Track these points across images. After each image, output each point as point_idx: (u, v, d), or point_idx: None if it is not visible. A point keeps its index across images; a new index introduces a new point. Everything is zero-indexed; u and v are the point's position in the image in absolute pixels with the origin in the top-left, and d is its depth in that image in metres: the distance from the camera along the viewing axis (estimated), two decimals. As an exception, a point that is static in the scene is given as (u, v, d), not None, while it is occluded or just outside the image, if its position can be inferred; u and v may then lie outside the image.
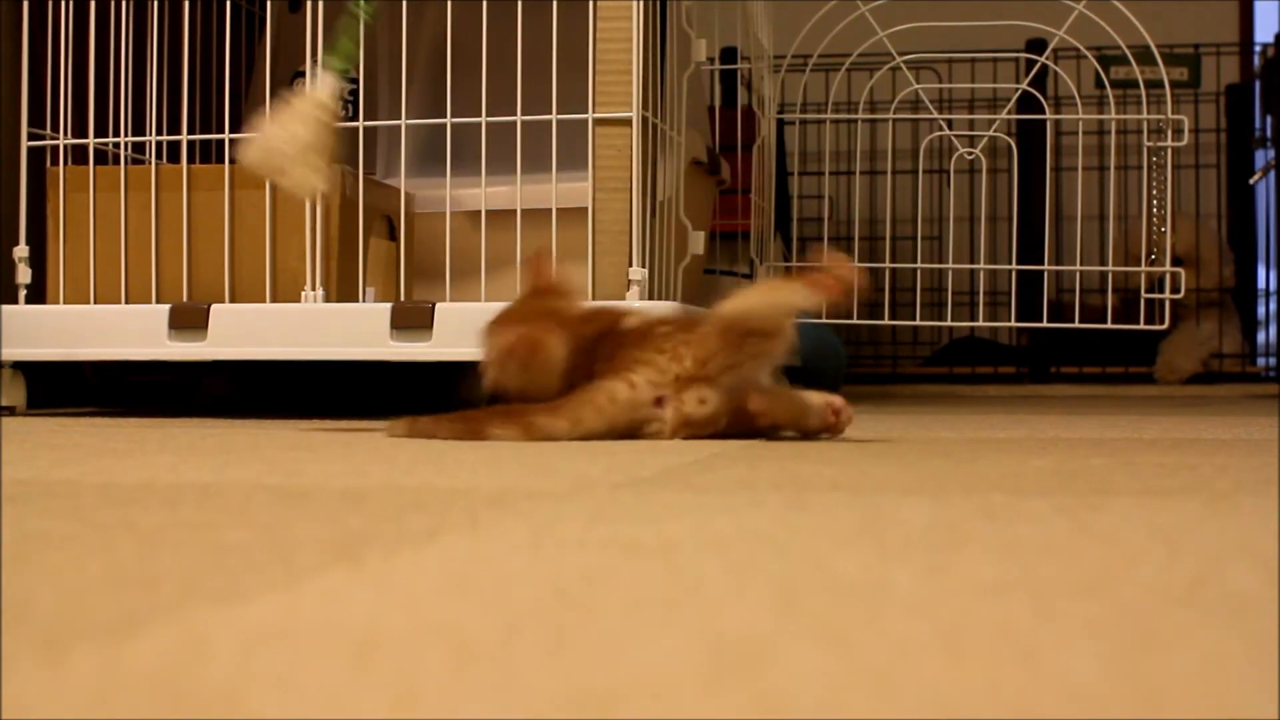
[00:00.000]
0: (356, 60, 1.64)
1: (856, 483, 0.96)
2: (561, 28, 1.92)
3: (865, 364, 4.05)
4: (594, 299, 1.88)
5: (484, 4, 1.93)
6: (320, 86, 1.57)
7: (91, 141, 2.04)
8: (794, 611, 0.49)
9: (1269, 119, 3.94)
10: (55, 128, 2.07)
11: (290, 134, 1.49)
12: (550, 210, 1.92)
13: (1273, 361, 4.14)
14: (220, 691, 0.37)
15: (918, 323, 2.73)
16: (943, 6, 2.59)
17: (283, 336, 1.90)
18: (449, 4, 1.96)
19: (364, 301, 1.98)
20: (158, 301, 1.97)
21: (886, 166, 2.60)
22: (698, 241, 2.10)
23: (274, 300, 1.94)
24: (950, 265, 2.61)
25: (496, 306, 1.88)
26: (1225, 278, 3.94)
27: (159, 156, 2.10)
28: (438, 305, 1.86)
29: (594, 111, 1.89)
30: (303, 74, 2.30)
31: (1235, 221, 4.13)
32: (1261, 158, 4.03)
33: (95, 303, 1.99)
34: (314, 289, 1.92)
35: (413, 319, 1.86)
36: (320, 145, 1.49)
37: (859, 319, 2.54)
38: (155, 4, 2.06)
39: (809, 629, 0.46)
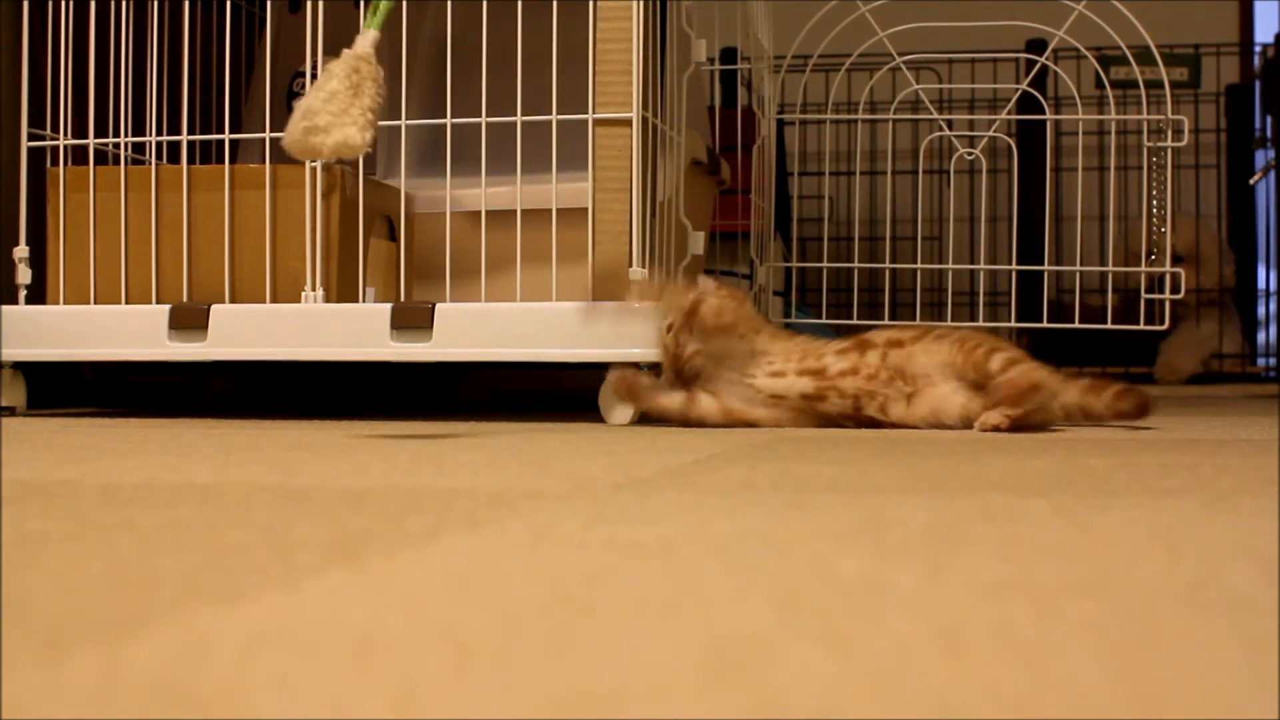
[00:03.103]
0: (389, 13, 1.54)
1: (856, 483, 0.96)
2: (561, 28, 1.92)
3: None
4: (594, 299, 1.88)
5: (484, 4, 1.93)
6: (359, 42, 1.47)
7: (91, 142, 2.04)
8: (794, 611, 0.49)
9: (1269, 119, 3.94)
10: (55, 128, 2.07)
11: (328, 93, 1.40)
12: (550, 210, 1.92)
13: (1273, 361, 4.14)
14: (220, 692, 0.37)
15: (918, 323, 2.73)
16: (943, 6, 2.59)
17: (283, 337, 1.90)
18: (449, 4, 1.96)
19: (364, 301, 1.98)
20: (158, 302, 1.97)
21: (886, 167, 2.60)
22: (698, 241, 2.10)
23: (274, 300, 1.94)
24: (950, 266, 2.61)
25: (497, 306, 1.88)
26: (1225, 278, 3.94)
27: (159, 157, 2.10)
28: (438, 305, 1.86)
29: (594, 111, 1.89)
30: (302, 74, 2.31)
31: (1235, 221, 4.13)
32: (1261, 158, 4.03)
33: (95, 303, 1.99)
34: (314, 289, 1.92)
35: (413, 319, 1.86)
36: (361, 100, 1.39)
37: (859, 319, 2.54)
38: (155, 4, 2.06)
39: (809, 629, 0.46)
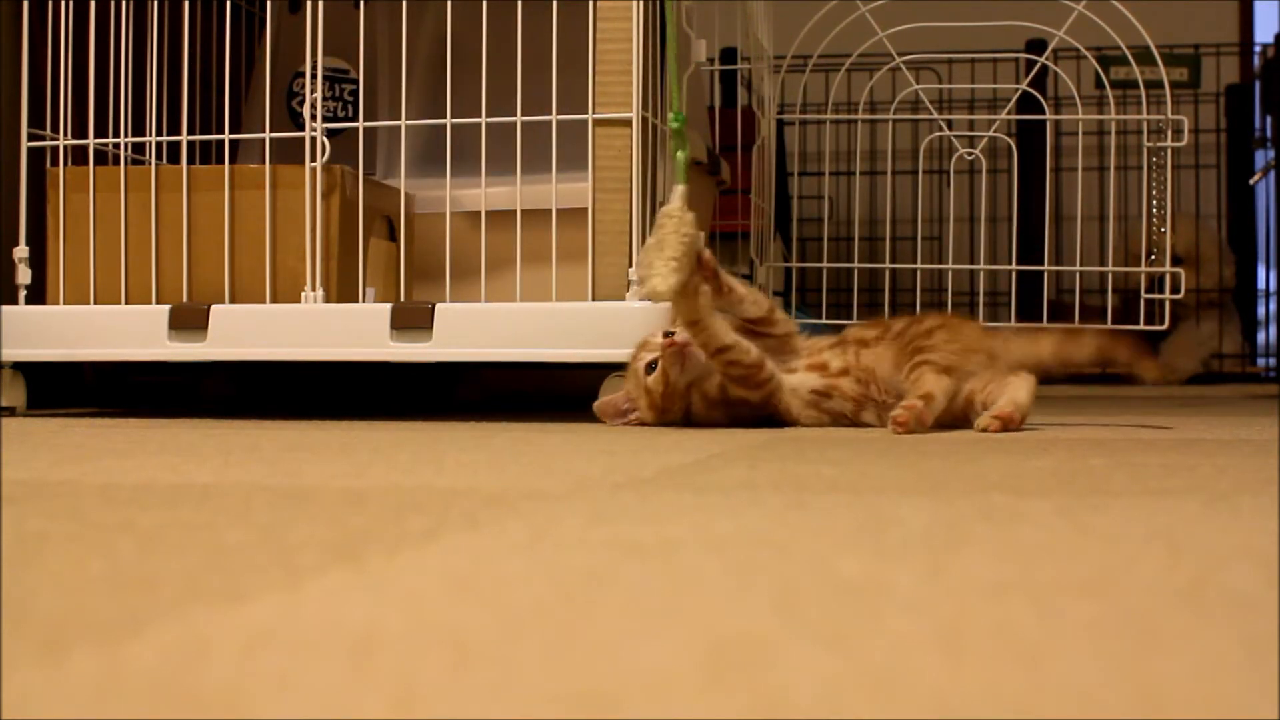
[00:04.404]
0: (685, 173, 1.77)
1: (856, 483, 0.96)
2: (561, 28, 1.92)
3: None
4: (594, 299, 1.88)
5: (484, 4, 1.93)
6: (673, 199, 1.68)
7: (91, 142, 2.04)
8: (794, 611, 0.49)
9: (1269, 119, 3.94)
10: (55, 128, 2.07)
11: (655, 241, 1.63)
12: (550, 210, 1.92)
13: (1273, 361, 4.14)
14: (220, 691, 0.37)
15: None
16: (943, 6, 2.59)
17: (283, 337, 1.90)
18: (449, 4, 1.96)
19: (364, 301, 1.98)
20: (158, 302, 1.97)
21: (886, 167, 2.60)
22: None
23: (274, 300, 1.94)
24: (950, 266, 2.61)
25: (497, 306, 1.88)
26: (1225, 278, 3.94)
27: (159, 157, 2.10)
28: (438, 305, 1.86)
29: (594, 111, 1.89)
30: (302, 74, 2.31)
31: (1235, 221, 4.13)
32: (1261, 158, 4.03)
33: (95, 303, 1.99)
34: (314, 289, 1.92)
35: (413, 319, 1.86)
36: (675, 250, 1.61)
37: (859, 320, 2.54)
38: (155, 4, 2.06)
39: (809, 629, 0.46)
